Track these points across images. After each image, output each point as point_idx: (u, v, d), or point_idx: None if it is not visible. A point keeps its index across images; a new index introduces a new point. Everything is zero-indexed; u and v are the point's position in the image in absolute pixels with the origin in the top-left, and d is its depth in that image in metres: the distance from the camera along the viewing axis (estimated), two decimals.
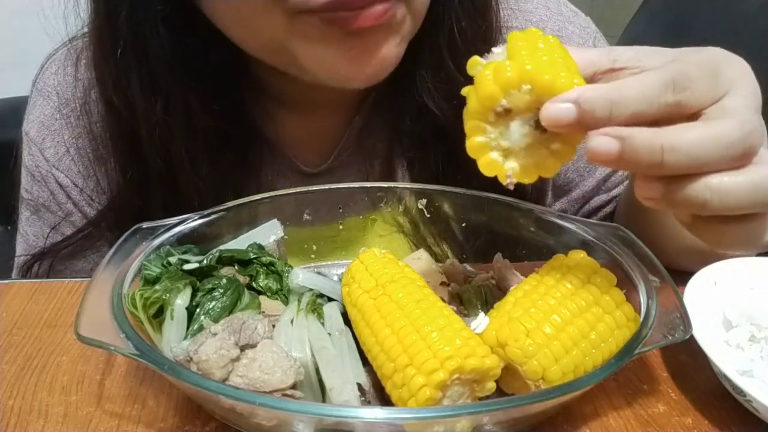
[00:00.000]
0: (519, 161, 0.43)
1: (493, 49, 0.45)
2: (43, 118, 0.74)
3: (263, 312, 0.52)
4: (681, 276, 0.54)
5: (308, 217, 0.65)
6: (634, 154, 0.38)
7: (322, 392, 0.46)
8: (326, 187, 0.65)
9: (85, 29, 0.67)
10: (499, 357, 0.44)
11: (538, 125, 0.41)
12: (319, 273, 0.58)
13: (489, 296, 0.56)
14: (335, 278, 0.60)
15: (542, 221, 0.60)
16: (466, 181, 0.67)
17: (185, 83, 0.63)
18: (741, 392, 0.45)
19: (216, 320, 0.48)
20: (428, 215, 0.66)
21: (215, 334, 0.45)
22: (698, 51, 0.42)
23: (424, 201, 0.65)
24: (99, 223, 0.73)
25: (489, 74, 0.42)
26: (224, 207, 0.59)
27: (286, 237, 0.62)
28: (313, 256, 0.68)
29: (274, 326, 0.49)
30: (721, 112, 0.39)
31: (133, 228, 0.55)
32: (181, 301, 0.49)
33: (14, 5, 1.45)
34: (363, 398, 0.46)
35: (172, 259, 0.53)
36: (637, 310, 0.48)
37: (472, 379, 0.43)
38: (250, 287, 0.55)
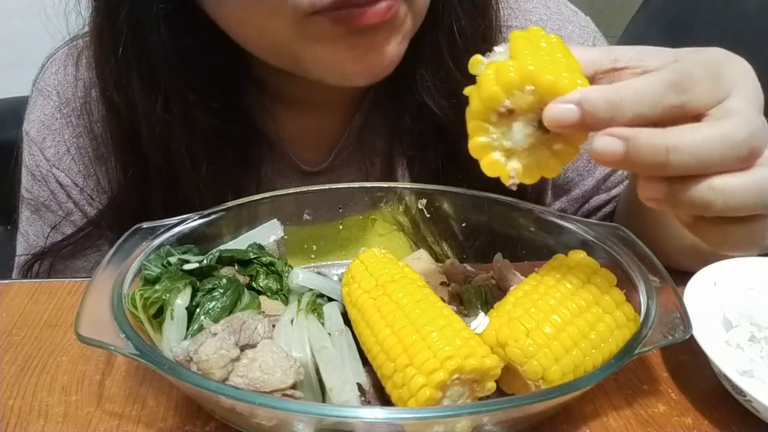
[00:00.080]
0: (521, 161, 0.43)
1: (495, 48, 0.44)
2: (43, 118, 0.74)
3: (263, 312, 0.52)
4: (681, 276, 0.54)
5: (308, 217, 0.65)
6: (638, 154, 0.38)
7: (322, 392, 0.46)
8: (326, 187, 0.65)
9: (86, 28, 0.67)
10: (499, 357, 0.44)
11: (540, 125, 0.41)
12: (319, 273, 0.59)
13: (489, 296, 0.56)
14: (335, 278, 0.60)
15: (542, 221, 0.60)
16: (466, 180, 0.67)
17: (185, 82, 0.63)
18: (741, 392, 0.45)
19: (216, 320, 0.48)
20: (428, 215, 0.66)
21: (215, 334, 0.45)
22: (699, 51, 0.42)
23: (424, 201, 0.65)
24: (99, 222, 0.73)
25: (491, 74, 0.42)
26: (224, 207, 0.59)
27: (286, 237, 0.62)
28: (313, 256, 0.68)
29: (274, 326, 0.49)
30: (725, 113, 0.39)
31: (133, 228, 0.55)
32: (181, 301, 0.49)
33: (14, 5, 1.45)
34: (363, 398, 0.46)
35: (172, 259, 0.53)
36: (637, 310, 0.48)
37: (472, 379, 0.43)
38: (250, 287, 0.55)
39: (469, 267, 0.62)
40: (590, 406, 0.48)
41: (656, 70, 0.40)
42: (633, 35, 1.17)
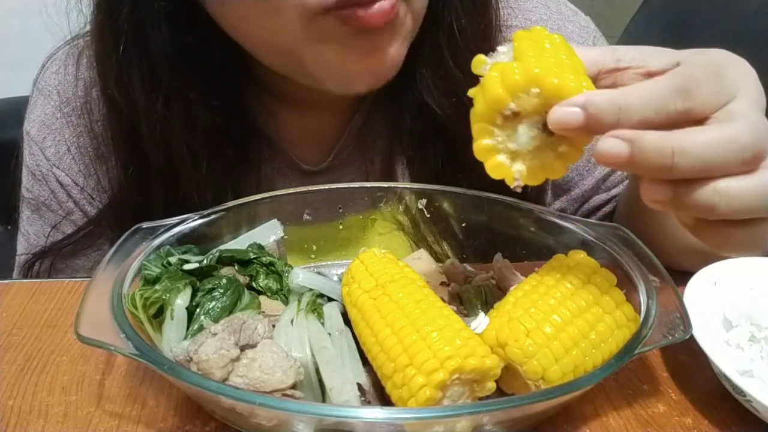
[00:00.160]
0: (526, 164, 0.43)
1: (498, 48, 0.44)
2: (44, 117, 0.74)
3: (263, 312, 0.52)
4: (681, 276, 0.54)
5: (308, 217, 0.65)
6: (644, 157, 0.38)
7: (322, 392, 0.46)
8: (326, 187, 0.65)
9: (87, 27, 0.67)
10: (499, 357, 0.44)
11: (545, 128, 0.41)
12: (319, 273, 0.59)
13: (489, 296, 0.56)
14: (335, 278, 0.60)
15: (542, 221, 0.60)
16: (466, 179, 0.67)
17: (186, 80, 0.64)
18: (741, 392, 0.45)
19: (216, 320, 0.48)
20: (428, 215, 0.66)
21: (215, 334, 0.45)
22: (702, 53, 0.42)
23: (424, 201, 0.65)
24: (100, 222, 0.73)
25: (496, 76, 0.41)
26: (224, 207, 0.59)
27: (286, 237, 0.62)
28: (313, 256, 0.68)
29: (274, 326, 0.49)
30: (729, 116, 0.39)
31: (133, 228, 0.55)
32: (181, 301, 0.49)
33: (14, 5, 1.45)
34: (363, 398, 0.46)
35: (172, 259, 0.53)
36: (637, 310, 0.48)
37: (472, 379, 0.43)
38: (250, 287, 0.55)
39: (469, 267, 0.62)
40: (590, 406, 0.48)
41: (663, 76, 0.40)
42: (633, 35, 1.17)
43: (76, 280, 0.65)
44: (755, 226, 0.40)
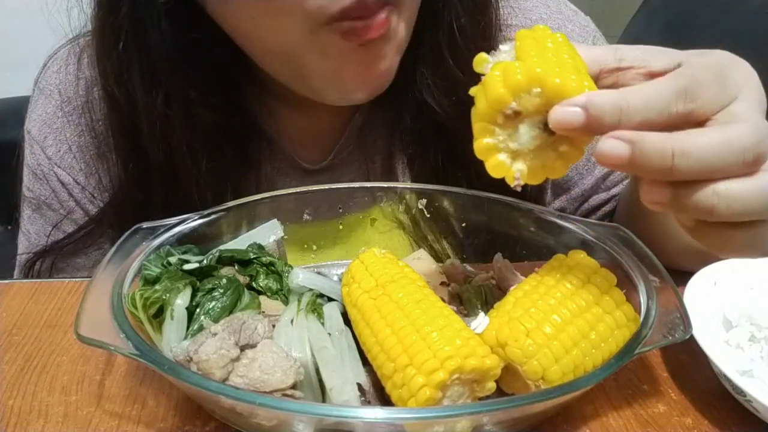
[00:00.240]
0: (527, 163, 0.43)
1: (501, 47, 0.44)
2: (45, 117, 0.74)
3: (263, 312, 0.52)
4: (681, 276, 0.54)
5: (308, 217, 0.65)
6: (644, 158, 0.38)
7: (322, 392, 0.46)
8: (326, 187, 0.65)
9: (88, 25, 0.67)
10: (499, 357, 0.44)
11: (546, 127, 0.41)
12: (319, 273, 0.59)
13: (489, 296, 0.56)
14: (335, 278, 0.60)
15: (542, 221, 0.60)
16: (466, 178, 0.67)
17: (186, 78, 0.64)
18: (741, 392, 0.45)
19: (216, 320, 0.48)
20: (428, 215, 0.66)
21: (215, 334, 0.45)
22: (705, 54, 0.42)
23: (424, 201, 0.65)
24: (101, 220, 0.73)
25: (498, 75, 0.41)
26: (224, 207, 0.59)
27: (286, 237, 0.62)
28: (313, 256, 0.68)
29: (274, 326, 0.49)
30: (731, 118, 0.39)
31: (133, 228, 0.55)
32: (181, 301, 0.49)
33: (15, 5, 1.45)
34: (363, 398, 0.46)
35: (172, 259, 0.53)
36: (637, 310, 0.48)
37: (472, 379, 0.43)
38: (250, 287, 0.55)
39: (469, 267, 0.62)
40: (590, 406, 0.48)
41: (665, 77, 0.40)
42: (633, 35, 1.18)
43: (76, 280, 0.65)
44: (755, 229, 0.40)
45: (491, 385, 0.44)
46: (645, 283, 0.49)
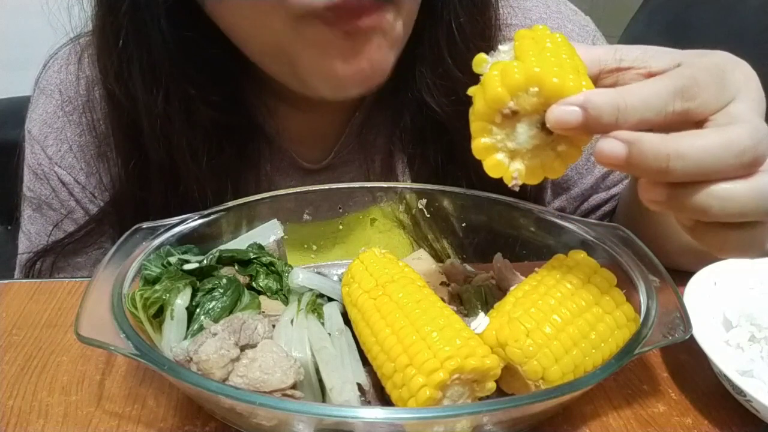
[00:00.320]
0: (525, 162, 0.43)
1: (500, 47, 0.44)
2: (45, 116, 0.74)
3: (263, 312, 0.52)
4: (681, 276, 0.54)
5: (308, 217, 0.65)
6: (641, 159, 0.38)
7: (322, 392, 0.46)
8: (326, 186, 0.65)
9: (89, 23, 0.67)
10: (499, 357, 0.44)
11: (544, 127, 0.41)
12: (319, 273, 0.59)
13: (489, 296, 0.56)
14: (335, 278, 0.60)
15: (542, 221, 0.60)
16: (466, 177, 0.67)
17: (186, 76, 0.64)
18: (741, 392, 0.45)
19: (216, 320, 0.48)
20: (428, 215, 0.66)
21: (215, 334, 0.45)
22: (705, 55, 0.42)
23: (424, 201, 0.65)
24: (101, 219, 0.73)
25: (497, 75, 0.41)
26: (224, 207, 0.60)
27: (286, 237, 0.62)
28: (313, 256, 0.68)
29: (274, 326, 0.49)
30: (730, 119, 0.39)
31: (133, 228, 0.55)
32: (181, 301, 0.49)
33: (15, 5, 1.45)
34: (363, 398, 0.46)
35: (172, 259, 0.53)
36: (637, 310, 0.48)
37: (472, 379, 0.43)
38: (250, 287, 0.55)
39: (469, 267, 0.62)
40: (590, 406, 0.48)
41: (662, 75, 0.40)
42: (633, 35, 1.18)
43: (76, 280, 0.65)
44: (752, 229, 0.40)
45: (491, 385, 0.44)
46: (645, 283, 0.49)
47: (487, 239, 0.64)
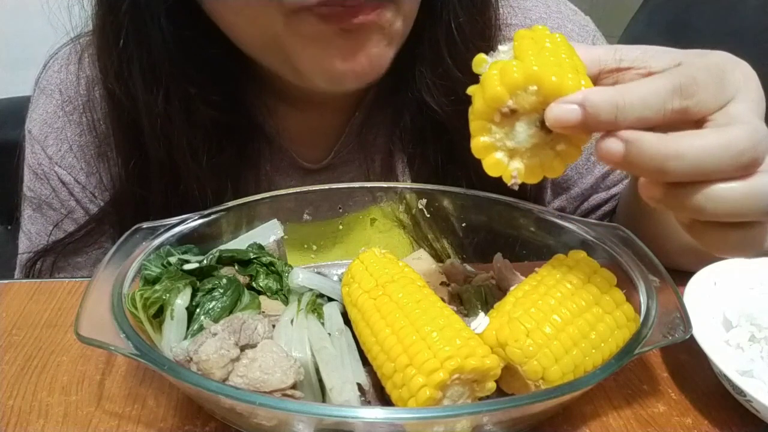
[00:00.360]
0: (524, 161, 0.43)
1: (499, 47, 0.44)
2: (45, 116, 0.74)
3: (263, 312, 0.52)
4: (681, 276, 0.54)
5: (308, 217, 0.65)
6: (639, 158, 0.38)
7: (322, 392, 0.46)
8: (326, 186, 0.65)
9: (89, 22, 0.67)
10: (499, 357, 0.44)
11: (543, 126, 0.41)
12: (319, 273, 0.59)
13: (489, 296, 0.55)
14: (335, 278, 0.60)
15: (542, 221, 0.60)
16: (465, 177, 0.67)
17: (186, 75, 0.64)
18: (741, 392, 0.45)
19: (216, 320, 0.48)
20: (428, 215, 0.66)
21: (215, 334, 0.45)
22: (704, 54, 0.42)
23: (424, 201, 0.65)
24: (101, 219, 0.73)
25: (495, 74, 0.42)
26: (224, 207, 0.60)
27: (286, 237, 0.62)
28: (313, 256, 0.68)
29: (274, 326, 0.49)
30: (729, 119, 0.39)
31: (133, 228, 0.55)
32: (181, 301, 0.49)
33: (15, 5, 1.45)
34: (363, 398, 0.46)
35: (172, 259, 0.53)
36: (637, 310, 0.48)
37: (472, 379, 0.43)
38: (250, 287, 0.55)
39: (469, 267, 0.62)
40: (590, 406, 0.48)
41: (661, 74, 0.40)
42: (633, 35, 1.18)
43: (76, 280, 0.65)
44: (750, 229, 0.40)
45: (491, 385, 0.44)
46: (645, 283, 0.49)
47: (487, 239, 0.64)
